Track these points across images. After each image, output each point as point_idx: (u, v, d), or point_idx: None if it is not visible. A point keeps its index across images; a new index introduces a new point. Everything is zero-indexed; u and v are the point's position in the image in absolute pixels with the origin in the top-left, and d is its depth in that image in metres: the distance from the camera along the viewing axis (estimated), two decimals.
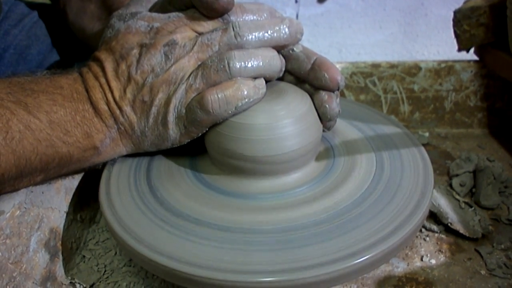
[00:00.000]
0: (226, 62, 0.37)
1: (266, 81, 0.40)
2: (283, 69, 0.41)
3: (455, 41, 0.64)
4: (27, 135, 0.36)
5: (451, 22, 0.63)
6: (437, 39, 1.18)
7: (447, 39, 1.17)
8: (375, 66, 0.64)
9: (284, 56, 0.41)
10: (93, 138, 0.39)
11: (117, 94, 0.39)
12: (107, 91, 0.39)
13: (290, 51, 0.41)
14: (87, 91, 0.39)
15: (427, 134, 0.65)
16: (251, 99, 0.38)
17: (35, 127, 0.36)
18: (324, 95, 0.40)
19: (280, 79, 0.43)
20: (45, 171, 0.38)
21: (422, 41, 1.19)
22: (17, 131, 0.35)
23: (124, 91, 0.39)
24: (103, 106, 0.39)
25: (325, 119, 0.41)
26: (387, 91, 0.65)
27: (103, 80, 0.39)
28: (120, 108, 0.39)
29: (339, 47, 1.19)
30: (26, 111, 0.36)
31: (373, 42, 1.19)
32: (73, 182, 0.44)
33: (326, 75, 0.39)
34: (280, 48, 0.41)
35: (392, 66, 0.64)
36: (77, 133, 0.38)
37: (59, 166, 0.39)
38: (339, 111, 0.41)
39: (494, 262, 0.42)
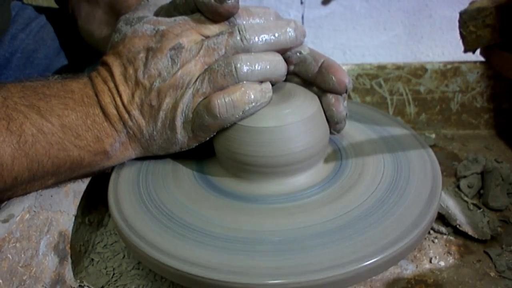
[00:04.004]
0: (233, 66, 0.37)
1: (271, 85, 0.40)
2: (286, 73, 0.41)
3: (460, 42, 0.63)
4: (40, 138, 0.36)
5: (456, 23, 0.63)
6: (442, 40, 1.18)
7: (451, 40, 1.16)
8: (381, 67, 0.64)
9: (291, 59, 0.41)
10: (103, 142, 0.39)
11: (125, 98, 0.39)
12: (116, 95, 0.39)
13: (298, 54, 0.41)
14: (96, 95, 0.39)
15: (433, 135, 0.64)
16: (258, 103, 0.38)
17: (48, 130, 0.36)
18: (331, 98, 0.40)
19: (286, 81, 0.43)
20: (56, 175, 0.39)
21: (426, 42, 1.19)
22: (30, 134, 0.35)
23: (132, 95, 0.39)
24: (112, 110, 0.39)
25: (332, 122, 0.41)
26: (393, 93, 0.65)
27: (111, 85, 0.39)
28: (128, 112, 0.39)
29: (344, 48, 1.19)
30: (39, 114, 0.36)
31: (378, 44, 1.19)
32: (82, 185, 0.45)
33: (333, 78, 0.39)
34: (285, 51, 0.41)
35: (398, 67, 0.64)
36: (88, 137, 0.38)
37: (70, 170, 0.39)
38: (346, 114, 0.41)
39: (504, 264, 0.42)
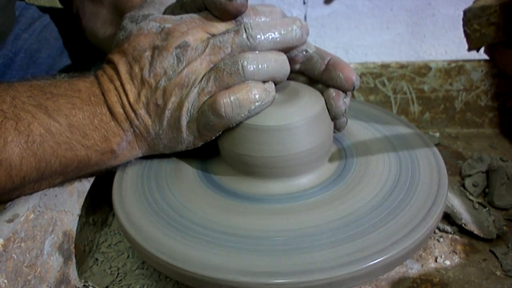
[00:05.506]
0: (240, 64, 0.37)
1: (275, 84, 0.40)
2: (289, 73, 0.41)
3: (463, 40, 0.63)
4: (48, 138, 0.36)
5: (459, 22, 0.62)
6: (445, 39, 1.18)
7: (454, 39, 1.16)
8: (385, 66, 0.64)
9: (297, 57, 0.41)
10: (111, 142, 0.39)
11: (131, 97, 0.39)
12: (122, 94, 0.39)
13: (304, 52, 0.41)
14: (103, 94, 0.39)
15: (437, 134, 0.64)
16: (263, 102, 0.38)
17: (55, 130, 0.36)
18: (332, 92, 0.40)
19: (291, 80, 0.43)
20: (64, 174, 0.39)
21: (429, 41, 1.19)
22: (38, 134, 0.36)
23: (138, 94, 0.39)
24: (118, 110, 0.39)
25: (330, 116, 0.41)
26: (396, 92, 0.65)
27: (117, 83, 0.39)
28: (134, 111, 0.39)
29: (346, 48, 1.19)
30: (47, 114, 0.36)
31: (380, 43, 1.18)
32: (86, 185, 0.45)
33: (341, 75, 0.39)
34: (290, 49, 0.40)
35: (402, 66, 0.64)
36: (95, 137, 0.38)
37: (78, 169, 0.39)
38: (345, 109, 0.41)
39: (510, 263, 0.41)
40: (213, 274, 0.32)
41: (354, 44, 1.19)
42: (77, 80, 0.40)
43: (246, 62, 0.37)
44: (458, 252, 0.44)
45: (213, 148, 0.42)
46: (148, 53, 0.39)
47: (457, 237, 0.45)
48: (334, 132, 0.42)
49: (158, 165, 0.43)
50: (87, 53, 0.63)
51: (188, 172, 0.43)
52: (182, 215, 0.38)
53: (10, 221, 0.35)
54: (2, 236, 0.33)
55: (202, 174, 0.42)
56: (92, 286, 0.41)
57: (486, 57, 0.64)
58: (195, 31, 0.39)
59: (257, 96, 0.37)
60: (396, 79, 0.64)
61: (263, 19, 0.40)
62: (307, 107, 0.39)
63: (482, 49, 0.64)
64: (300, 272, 0.32)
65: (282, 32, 0.38)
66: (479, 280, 0.40)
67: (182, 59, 0.38)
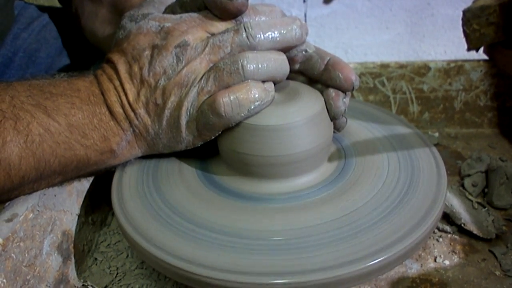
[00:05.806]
0: (239, 64, 0.37)
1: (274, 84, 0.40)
2: (288, 73, 0.41)
3: (462, 40, 0.63)
4: (47, 138, 0.36)
5: (458, 22, 0.62)
6: (444, 39, 1.18)
7: (454, 39, 1.16)
8: (384, 66, 0.64)
9: (297, 57, 0.41)
10: (110, 141, 0.39)
11: (131, 97, 0.39)
12: (122, 94, 0.39)
13: (303, 52, 0.41)
14: (102, 94, 0.39)
15: (437, 134, 0.64)
16: (263, 102, 0.38)
17: (54, 130, 0.36)
18: (331, 92, 0.40)
19: (291, 80, 0.43)
20: (63, 174, 0.39)
21: (428, 41, 1.19)
22: (37, 134, 0.35)
23: (138, 94, 0.39)
24: (118, 109, 0.39)
25: (330, 116, 0.41)
26: (396, 92, 0.65)
27: (117, 83, 0.39)
28: (134, 111, 0.39)
29: (346, 48, 1.19)
30: (46, 114, 0.36)
31: (380, 43, 1.18)
32: (85, 184, 0.44)
33: (340, 75, 0.39)
34: (289, 49, 0.40)
35: (401, 66, 0.64)
36: (94, 136, 0.38)
37: (77, 169, 0.39)
38: (344, 110, 0.41)
39: (509, 263, 0.41)
40: (212, 274, 0.32)
41: (354, 44, 1.19)
42: (76, 79, 0.40)
43: (246, 62, 0.37)
44: (457, 252, 0.44)
45: (213, 147, 0.42)
46: (147, 52, 0.39)
47: (456, 237, 0.45)
48: (333, 132, 0.42)
49: (157, 164, 0.43)
50: (86, 53, 0.63)
51: (188, 171, 0.42)
52: (181, 214, 0.38)
53: (9, 220, 0.35)
54: (1, 235, 0.33)
55: (202, 173, 0.42)
56: (91, 285, 0.41)
57: (485, 57, 0.64)
58: (194, 30, 0.38)
59: (256, 95, 0.37)
60: (395, 79, 0.64)
61: (263, 18, 0.40)
62: (306, 107, 0.39)
63: (481, 49, 0.64)
64: (300, 272, 0.32)
65: (282, 31, 0.38)
66: (478, 280, 0.40)
67: (181, 58, 0.38)
